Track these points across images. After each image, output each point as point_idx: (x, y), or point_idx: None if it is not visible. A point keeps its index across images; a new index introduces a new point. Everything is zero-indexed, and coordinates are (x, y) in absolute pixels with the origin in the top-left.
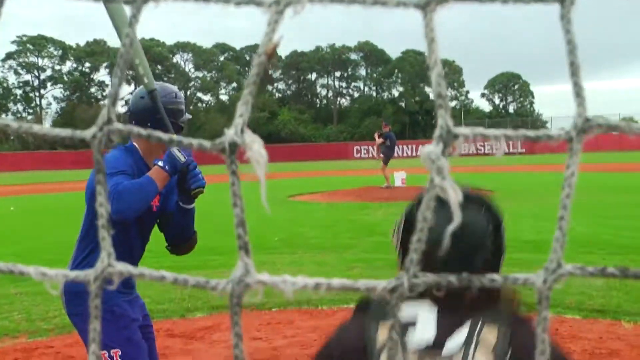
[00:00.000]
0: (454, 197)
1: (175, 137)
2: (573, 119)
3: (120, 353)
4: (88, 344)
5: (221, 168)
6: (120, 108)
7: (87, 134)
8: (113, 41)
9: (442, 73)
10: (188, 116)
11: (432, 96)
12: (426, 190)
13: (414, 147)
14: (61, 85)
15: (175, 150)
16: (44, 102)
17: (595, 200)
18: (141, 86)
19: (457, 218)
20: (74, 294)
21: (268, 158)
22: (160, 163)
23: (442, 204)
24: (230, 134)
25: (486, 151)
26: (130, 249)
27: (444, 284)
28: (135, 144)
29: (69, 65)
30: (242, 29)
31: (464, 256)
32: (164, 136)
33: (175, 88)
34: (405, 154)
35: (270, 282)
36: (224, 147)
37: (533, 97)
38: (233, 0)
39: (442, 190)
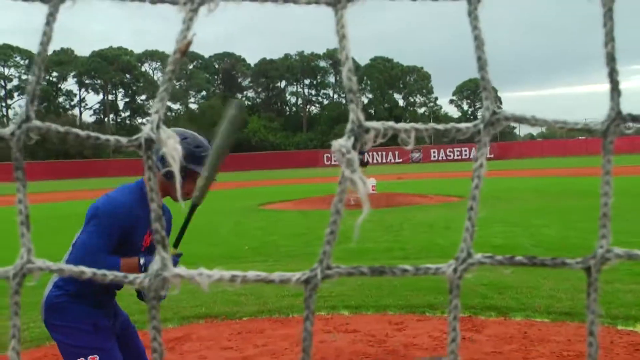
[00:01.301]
0: (363, 188)
1: (93, 134)
2: (482, 112)
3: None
4: (59, 349)
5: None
6: (89, 117)
7: (6, 131)
8: (81, 50)
9: (352, 68)
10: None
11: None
12: (338, 182)
13: (383, 153)
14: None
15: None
16: (10, 112)
17: (564, 204)
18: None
19: (366, 208)
20: (54, 308)
21: (183, 153)
22: (142, 261)
23: None
24: (146, 130)
25: (455, 157)
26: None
27: (356, 275)
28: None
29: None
30: (210, 37)
31: None
32: (82, 133)
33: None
34: (375, 161)
35: (187, 275)
36: (140, 143)
37: (501, 102)
38: None
39: (351, 182)
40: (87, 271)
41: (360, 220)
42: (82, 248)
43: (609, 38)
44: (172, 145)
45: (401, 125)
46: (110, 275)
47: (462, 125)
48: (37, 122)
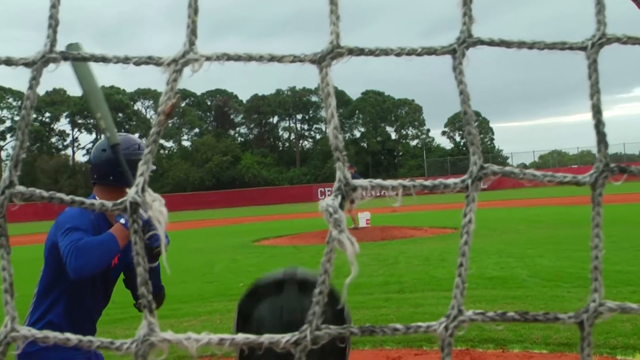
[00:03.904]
0: (351, 249)
1: (77, 198)
2: (470, 166)
3: None
4: None
5: (181, 215)
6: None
7: None
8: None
9: (338, 126)
10: (153, 167)
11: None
12: (326, 242)
13: None
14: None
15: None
16: (3, 153)
17: (559, 234)
18: (103, 138)
19: (354, 271)
20: (28, 354)
21: (167, 215)
22: (122, 220)
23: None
24: (131, 193)
25: None
26: (88, 309)
27: (346, 335)
28: (97, 198)
29: None
30: (202, 75)
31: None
32: (66, 198)
33: (138, 139)
34: (369, 195)
35: (175, 340)
36: (125, 206)
37: (493, 133)
38: (132, 60)
39: (339, 242)
40: (73, 338)
41: (348, 280)
42: (69, 246)
43: (595, 90)
44: (157, 208)
45: (389, 182)
46: (97, 342)
47: (450, 181)
48: (20, 188)
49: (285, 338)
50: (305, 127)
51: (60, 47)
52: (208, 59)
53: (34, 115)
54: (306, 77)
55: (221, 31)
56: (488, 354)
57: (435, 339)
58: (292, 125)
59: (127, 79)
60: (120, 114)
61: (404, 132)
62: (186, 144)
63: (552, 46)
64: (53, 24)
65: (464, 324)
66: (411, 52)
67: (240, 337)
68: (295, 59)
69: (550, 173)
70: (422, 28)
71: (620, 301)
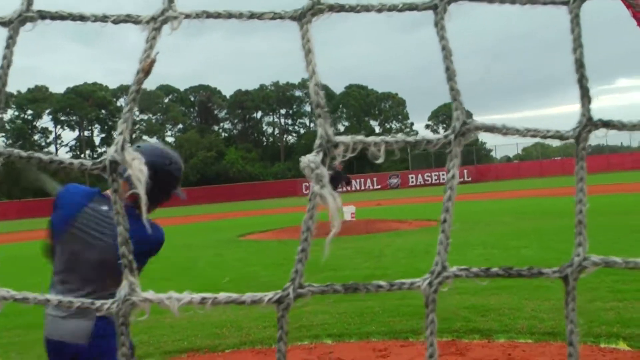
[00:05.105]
0: (333, 203)
1: (56, 157)
2: (453, 122)
3: None
4: None
5: (165, 211)
6: (65, 154)
7: None
8: (55, 87)
9: (320, 83)
10: (183, 195)
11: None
12: (308, 199)
13: (362, 180)
14: (3, 134)
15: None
16: None
17: (542, 225)
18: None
19: (336, 227)
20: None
21: (148, 174)
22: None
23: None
24: (110, 151)
25: (433, 182)
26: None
27: (330, 293)
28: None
29: (10, 113)
30: (185, 70)
31: None
32: (45, 157)
33: (172, 153)
34: (353, 188)
35: (156, 299)
36: (104, 165)
37: None
38: (111, 18)
39: (321, 197)
40: (53, 299)
41: (330, 236)
42: None
43: (577, 44)
44: (137, 167)
45: (371, 138)
46: (77, 302)
47: (433, 136)
48: None
49: (267, 296)
50: (289, 121)
51: (38, 6)
52: (187, 16)
53: (16, 113)
54: (290, 72)
55: (205, 26)
56: (474, 345)
57: (421, 330)
58: (276, 120)
59: (111, 77)
60: (103, 111)
61: (388, 126)
62: (170, 140)
63: (534, 0)
64: None
65: (448, 280)
66: (392, 8)
67: (223, 295)
68: (275, 15)
69: (533, 128)
70: (409, 16)
71: None
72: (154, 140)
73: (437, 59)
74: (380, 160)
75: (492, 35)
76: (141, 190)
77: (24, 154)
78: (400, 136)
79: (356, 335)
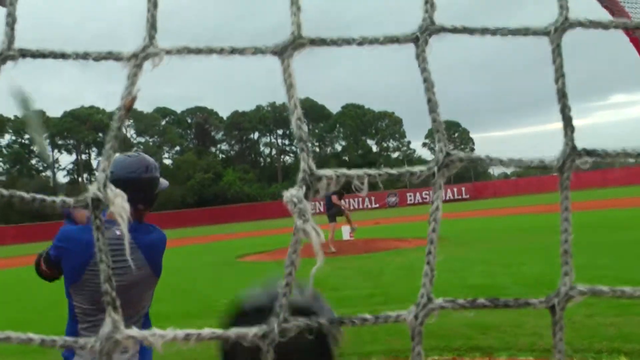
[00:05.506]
0: (316, 238)
1: (38, 196)
2: (435, 154)
3: None
4: None
5: (169, 233)
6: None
7: None
8: (53, 112)
9: (302, 117)
10: (166, 183)
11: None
12: (292, 233)
13: (360, 199)
14: (0, 159)
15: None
16: None
17: (541, 241)
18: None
19: (320, 261)
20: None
21: (130, 211)
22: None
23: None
24: (92, 189)
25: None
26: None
27: (314, 327)
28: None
29: (7, 138)
30: (182, 92)
31: None
32: (27, 196)
33: (149, 160)
34: (352, 207)
35: (140, 336)
36: (87, 203)
37: (473, 143)
38: (92, 55)
39: (304, 232)
40: (35, 338)
41: (314, 270)
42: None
43: (559, 74)
44: (119, 204)
45: (354, 171)
46: (60, 340)
47: (416, 168)
48: None
49: (252, 331)
50: (287, 142)
51: (21, 44)
52: (168, 52)
53: (13, 138)
54: (285, 93)
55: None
56: None
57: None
58: (273, 140)
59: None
60: (100, 134)
61: (385, 145)
62: (167, 162)
63: (515, 32)
64: (10, 21)
65: (434, 311)
66: (374, 41)
67: (207, 332)
68: (257, 50)
69: (517, 158)
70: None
71: None
72: (116, 155)
73: (433, 78)
74: (363, 194)
75: (490, 50)
76: (124, 227)
77: (5, 192)
78: (385, 169)
79: (356, 355)
